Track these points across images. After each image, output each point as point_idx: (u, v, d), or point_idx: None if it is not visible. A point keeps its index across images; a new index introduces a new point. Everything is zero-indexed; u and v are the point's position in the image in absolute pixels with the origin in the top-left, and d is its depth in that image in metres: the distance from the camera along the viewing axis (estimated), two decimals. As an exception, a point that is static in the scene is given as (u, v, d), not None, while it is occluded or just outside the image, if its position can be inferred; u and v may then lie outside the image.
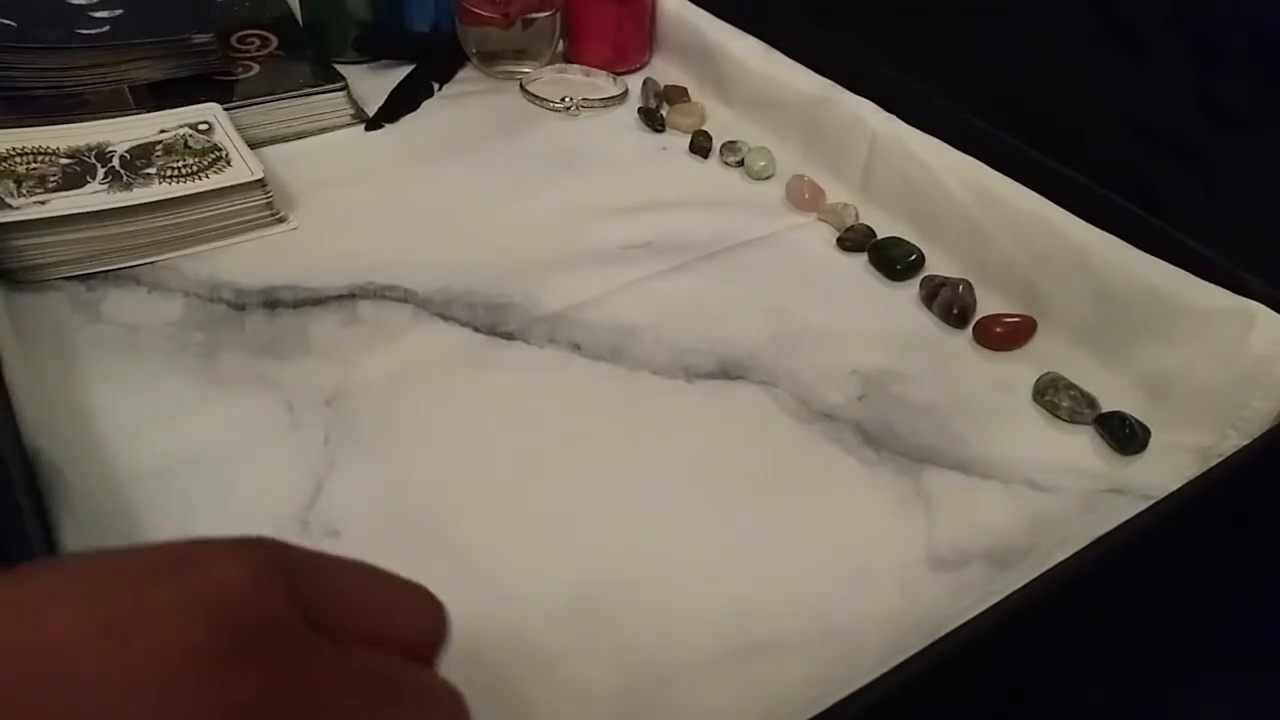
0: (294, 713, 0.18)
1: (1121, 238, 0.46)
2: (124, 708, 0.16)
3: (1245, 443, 0.40)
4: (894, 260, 0.52)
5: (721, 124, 0.65)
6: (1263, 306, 0.41)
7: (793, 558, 0.37)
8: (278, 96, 0.59)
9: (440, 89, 0.68)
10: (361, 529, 0.37)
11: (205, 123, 0.54)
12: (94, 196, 0.48)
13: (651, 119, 0.65)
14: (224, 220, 0.51)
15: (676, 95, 0.67)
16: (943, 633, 0.30)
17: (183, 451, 0.39)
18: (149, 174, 0.50)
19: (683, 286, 0.51)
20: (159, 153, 0.52)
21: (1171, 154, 0.49)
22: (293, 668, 0.18)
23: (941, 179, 0.53)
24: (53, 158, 0.50)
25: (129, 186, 0.49)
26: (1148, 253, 0.45)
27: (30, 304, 0.46)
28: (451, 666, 0.33)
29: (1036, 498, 0.40)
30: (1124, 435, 0.42)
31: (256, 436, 0.40)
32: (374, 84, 0.66)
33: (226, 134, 0.54)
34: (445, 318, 0.48)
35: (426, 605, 0.22)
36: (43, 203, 0.47)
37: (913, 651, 0.29)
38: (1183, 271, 0.44)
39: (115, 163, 0.50)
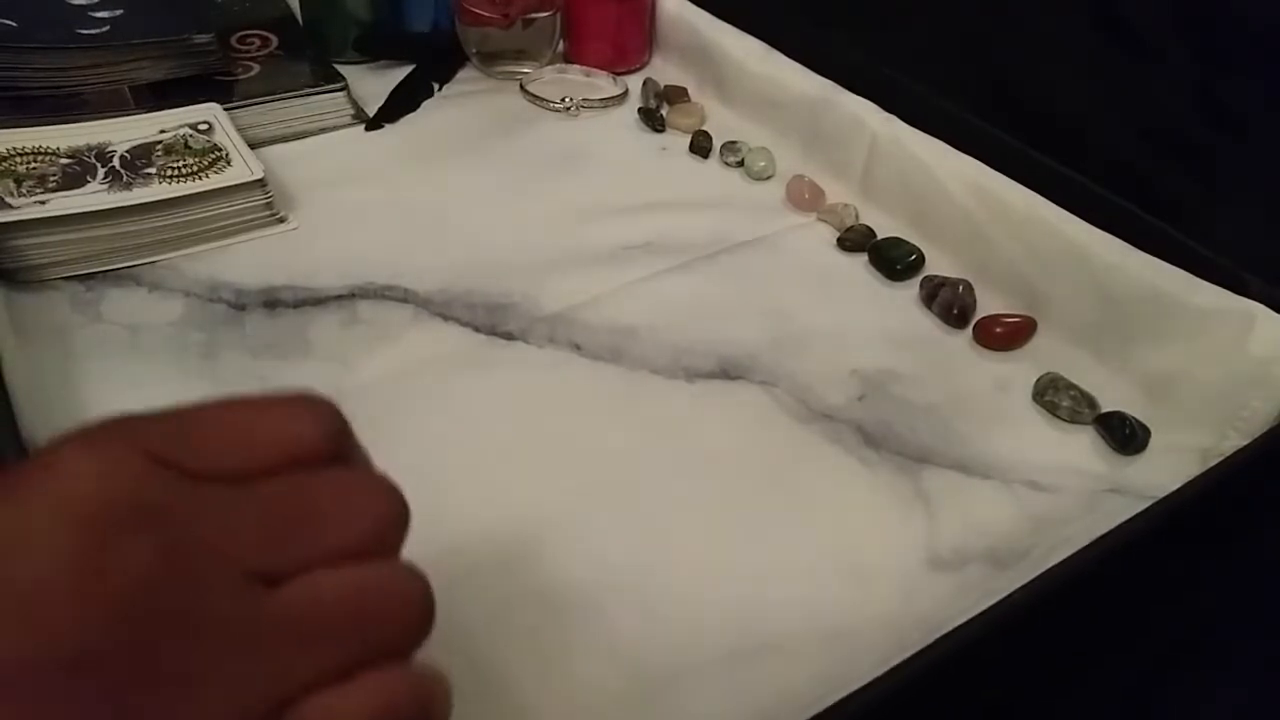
0: (203, 558, 0.17)
1: (1121, 238, 0.46)
2: (13, 632, 0.16)
3: (1245, 443, 0.40)
4: (894, 260, 0.52)
5: (721, 124, 0.65)
6: (1263, 307, 0.41)
7: (792, 558, 0.37)
8: (278, 96, 0.59)
9: (440, 89, 0.68)
10: (361, 529, 0.36)
11: (205, 123, 0.54)
12: (94, 196, 0.48)
13: (651, 119, 0.65)
14: (224, 220, 0.51)
15: (676, 95, 0.67)
16: (942, 633, 0.30)
17: (183, 451, 0.39)
18: (149, 174, 0.50)
19: (683, 286, 0.51)
20: (159, 153, 0.52)
21: (1171, 154, 0.49)
22: (178, 520, 0.17)
23: (941, 179, 0.53)
24: (53, 158, 0.50)
25: (129, 186, 0.49)
26: (1148, 253, 0.45)
27: (30, 304, 0.46)
28: (451, 666, 0.33)
29: (1036, 498, 0.40)
30: (1124, 435, 0.42)
31: (256, 436, 0.40)
32: (374, 84, 0.66)
33: (226, 134, 0.54)
34: (445, 318, 0.48)
35: (312, 409, 0.21)
36: (43, 203, 0.47)
37: (912, 652, 0.29)
38: (1183, 272, 0.44)
39: (115, 163, 0.50)
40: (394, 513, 0.21)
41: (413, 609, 0.20)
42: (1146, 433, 0.43)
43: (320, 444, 0.20)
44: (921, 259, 0.53)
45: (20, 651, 0.16)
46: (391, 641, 0.19)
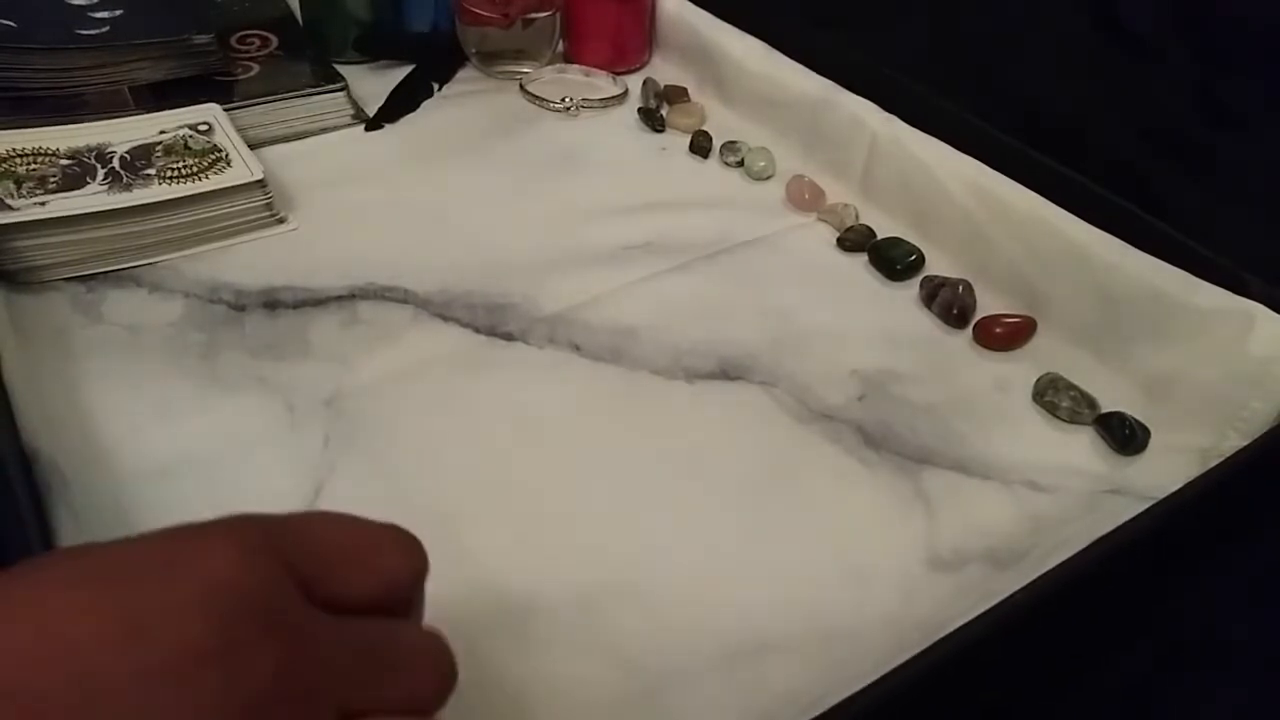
0: (306, 687, 0.18)
1: (1121, 238, 0.46)
2: (141, 710, 0.17)
3: (1245, 443, 0.40)
4: (894, 260, 0.52)
5: (721, 124, 0.65)
6: (1263, 307, 0.41)
7: (792, 558, 0.37)
8: (278, 97, 0.59)
9: (440, 89, 0.68)
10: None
11: (205, 123, 0.54)
12: (94, 197, 0.48)
13: (651, 119, 0.65)
14: (224, 221, 0.51)
15: (676, 95, 0.67)
16: (942, 634, 0.30)
17: (182, 452, 0.39)
18: (149, 175, 0.50)
19: (683, 287, 0.51)
20: (159, 153, 0.52)
21: (1171, 154, 0.49)
22: (298, 642, 0.19)
23: (941, 179, 0.53)
24: (53, 158, 0.50)
25: (129, 187, 0.49)
26: (1148, 253, 0.45)
27: (30, 305, 0.46)
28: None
29: (1036, 498, 0.40)
30: (1124, 435, 0.42)
31: (256, 437, 0.40)
32: (374, 84, 0.66)
33: (226, 134, 0.54)
34: (445, 318, 0.48)
35: (405, 543, 0.23)
36: (43, 203, 0.47)
37: (912, 652, 0.29)
38: (1183, 272, 0.44)
39: (115, 163, 0.50)
40: (447, 673, 0.22)
41: None
42: (1146, 433, 0.43)
43: (409, 585, 0.23)
44: (921, 259, 0.53)
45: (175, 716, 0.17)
46: None
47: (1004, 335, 0.48)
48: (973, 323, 0.49)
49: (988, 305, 0.50)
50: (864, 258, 0.54)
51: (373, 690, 0.20)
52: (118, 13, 0.59)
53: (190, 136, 0.53)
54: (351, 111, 0.62)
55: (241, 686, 0.17)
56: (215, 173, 0.51)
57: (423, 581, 0.23)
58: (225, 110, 0.55)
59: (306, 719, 0.18)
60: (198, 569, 0.18)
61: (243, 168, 0.51)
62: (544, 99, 0.66)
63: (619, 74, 0.70)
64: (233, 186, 0.51)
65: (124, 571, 0.18)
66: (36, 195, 0.47)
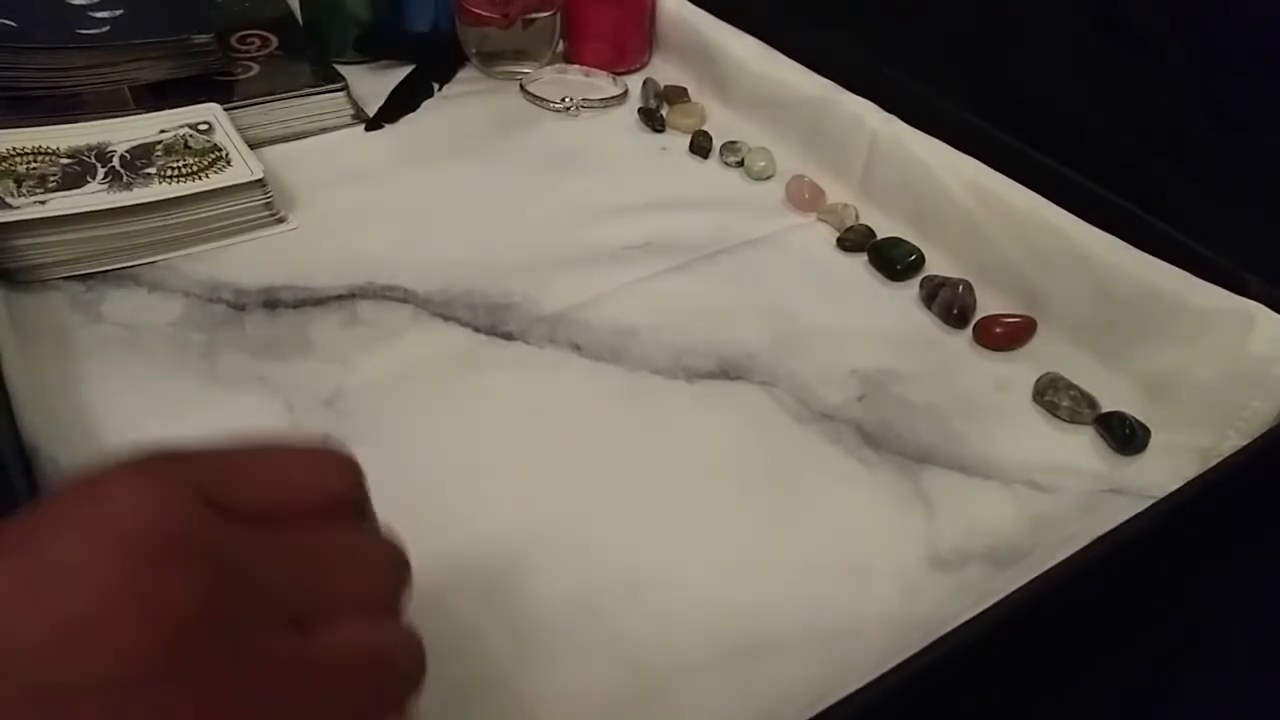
0: (242, 605, 0.18)
1: (1121, 238, 0.46)
2: (65, 663, 0.16)
3: (1245, 443, 0.40)
4: (894, 260, 0.52)
5: (721, 124, 0.65)
6: (1263, 307, 0.41)
7: (792, 558, 0.37)
8: (278, 97, 0.59)
9: (440, 89, 0.68)
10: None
11: (205, 123, 0.54)
12: (94, 196, 0.48)
13: (651, 119, 0.65)
14: (224, 220, 0.51)
15: (676, 95, 0.67)
16: (943, 633, 0.30)
17: (183, 451, 0.39)
18: (149, 174, 0.50)
19: (683, 286, 0.51)
20: (159, 153, 0.52)
21: (1171, 154, 0.49)
22: (221, 564, 0.18)
23: (941, 179, 0.53)
24: (53, 158, 0.50)
25: (129, 186, 0.49)
26: (1148, 253, 0.45)
27: (30, 304, 0.46)
28: (450, 666, 0.33)
29: (1036, 498, 0.40)
30: (1124, 435, 0.42)
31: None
32: (374, 84, 0.66)
33: (226, 134, 0.54)
34: (445, 318, 0.48)
35: (337, 462, 0.22)
36: (42, 203, 0.47)
37: (913, 652, 0.29)
38: (1183, 272, 0.44)
39: (115, 163, 0.50)
40: (401, 570, 0.22)
41: (417, 666, 0.21)
42: (1146, 433, 0.43)
43: (346, 496, 0.22)
44: (921, 259, 0.53)
45: (84, 676, 0.16)
46: (398, 695, 0.21)
47: (1004, 335, 0.48)
48: (973, 323, 0.49)
49: (988, 305, 0.50)
50: (864, 258, 0.54)
51: (324, 594, 0.20)
52: (118, 13, 0.59)
53: (190, 136, 0.53)
54: (351, 111, 0.62)
55: (167, 621, 0.17)
56: (215, 172, 0.51)
57: (362, 492, 0.23)
58: (225, 110, 0.55)
59: (251, 636, 0.18)
60: (104, 514, 0.18)
61: (243, 167, 0.51)
62: (544, 99, 0.66)
63: (619, 74, 0.70)
64: (233, 186, 0.51)
65: (26, 534, 0.18)
66: (36, 194, 0.47)
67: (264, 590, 0.19)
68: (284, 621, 0.19)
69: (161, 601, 0.17)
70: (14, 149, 0.50)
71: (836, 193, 0.58)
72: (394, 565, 0.22)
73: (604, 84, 0.69)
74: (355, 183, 0.57)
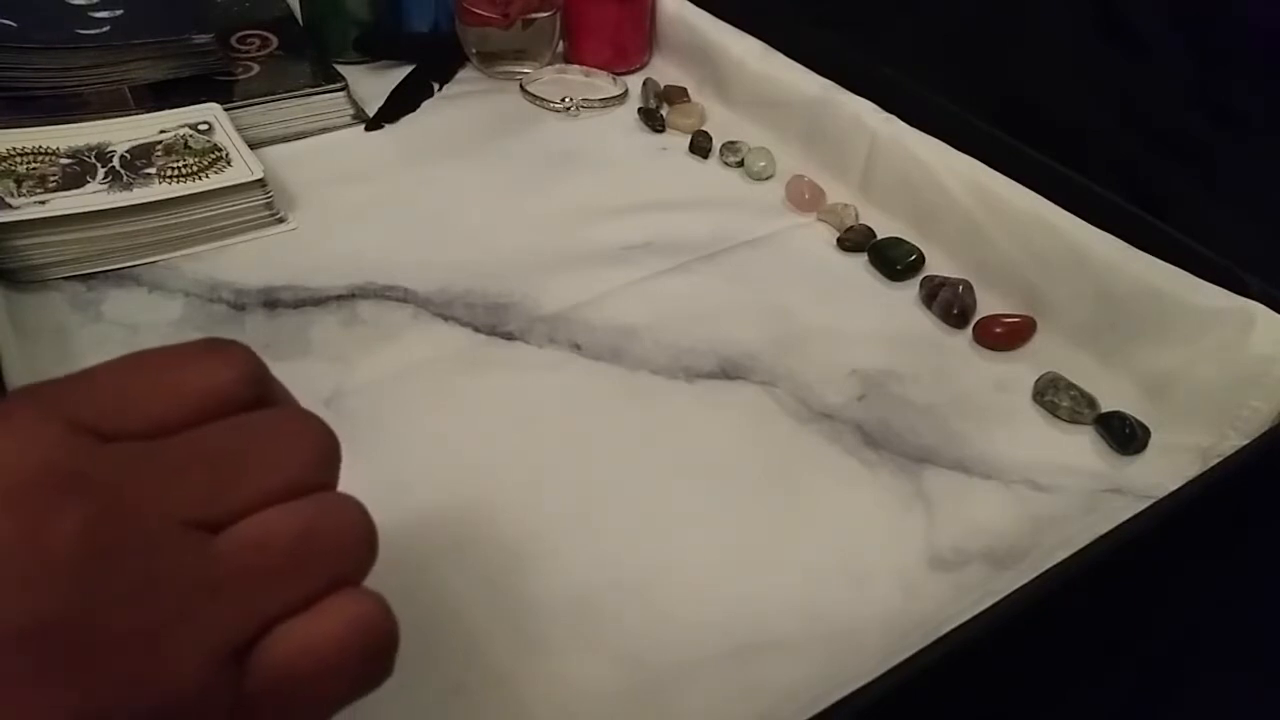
0: (128, 521, 0.18)
1: (1121, 238, 0.46)
2: None
3: (1245, 443, 0.40)
4: (894, 260, 0.52)
5: (721, 124, 0.65)
6: (1263, 306, 0.41)
7: (792, 558, 0.37)
8: (278, 97, 0.59)
9: (440, 89, 0.68)
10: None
11: (205, 123, 0.54)
12: (94, 196, 0.48)
13: (651, 119, 0.65)
14: (224, 220, 0.51)
15: (676, 95, 0.67)
16: (943, 633, 0.30)
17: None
18: (149, 174, 0.50)
19: (683, 286, 0.51)
20: (159, 153, 0.52)
21: (1171, 154, 0.49)
22: (104, 485, 0.17)
23: (941, 179, 0.53)
24: (53, 158, 0.50)
25: (129, 186, 0.49)
26: (1148, 253, 0.45)
27: (30, 304, 0.46)
28: (450, 665, 0.33)
29: (1036, 498, 0.40)
30: (1124, 435, 0.42)
31: (256, 436, 0.40)
32: (374, 84, 0.66)
33: (226, 134, 0.54)
34: (445, 318, 0.48)
35: (222, 355, 0.21)
36: (43, 203, 0.47)
37: (913, 651, 0.29)
38: (1183, 271, 0.44)
39: (115, 163, 0.50)
40: (324, 445, 0.21)
41: (358, 535, 0.20)
42: (1146, 433, 0.43)
43: (239, 389, 0.20)
44: (921, 259, 0.53)
45: None
46: (344, 569, 0.20)
47: (1004, 335, 0.48)
48: (973, 323, 0.49)
49: (988, 305, 0.50)
50: (864, 258, 0.54)
51: (227, 490, 0.19)
52: (118, 13, 0.59)
53: (190, 136, 0.53)
54: (351, 111, 0.62)
55: (53, 553, 0.16)
56: (215, 172, 0.51)
57: (259, 378, 0.21)
58: (225, 110, 0.55)
59: (149, 551, 0.17)
60: None
61: (243, 167, 0.51)
62: (544, 99, 0.66)
63: (619, 74, 0.70)
64: (233, 186, 0.51)
65: None
66: (37, 194, 0.47)
67: (154, 502, 0.18)
68: (184, 529, 0.18)
69: (43, 540, 0.16)
70: (14, 149, 0.50)
71: (836, 193, 0.58)
72: (312, 441, 0.21)
73: (604, 84, 0.69)
74: (355, 183, 0.57)
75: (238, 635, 0.18)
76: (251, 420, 0.20)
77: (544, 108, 0.66)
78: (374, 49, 0.69)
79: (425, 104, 0.66)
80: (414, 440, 0.41)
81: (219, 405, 0.20)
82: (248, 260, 0.50)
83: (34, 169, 0.49)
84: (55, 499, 0.17)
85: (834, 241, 0.55)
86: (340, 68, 0.64)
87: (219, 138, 0.53)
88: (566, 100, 0.66)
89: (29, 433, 0.18)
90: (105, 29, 0.57)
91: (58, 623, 0.16)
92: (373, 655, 0.20)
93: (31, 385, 0.19)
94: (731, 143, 0.62)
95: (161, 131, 0.53)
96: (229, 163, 0.52)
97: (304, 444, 0.21)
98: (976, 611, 0.31)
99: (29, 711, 0.16)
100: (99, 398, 0.19)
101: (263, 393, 0.21)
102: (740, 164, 0.61)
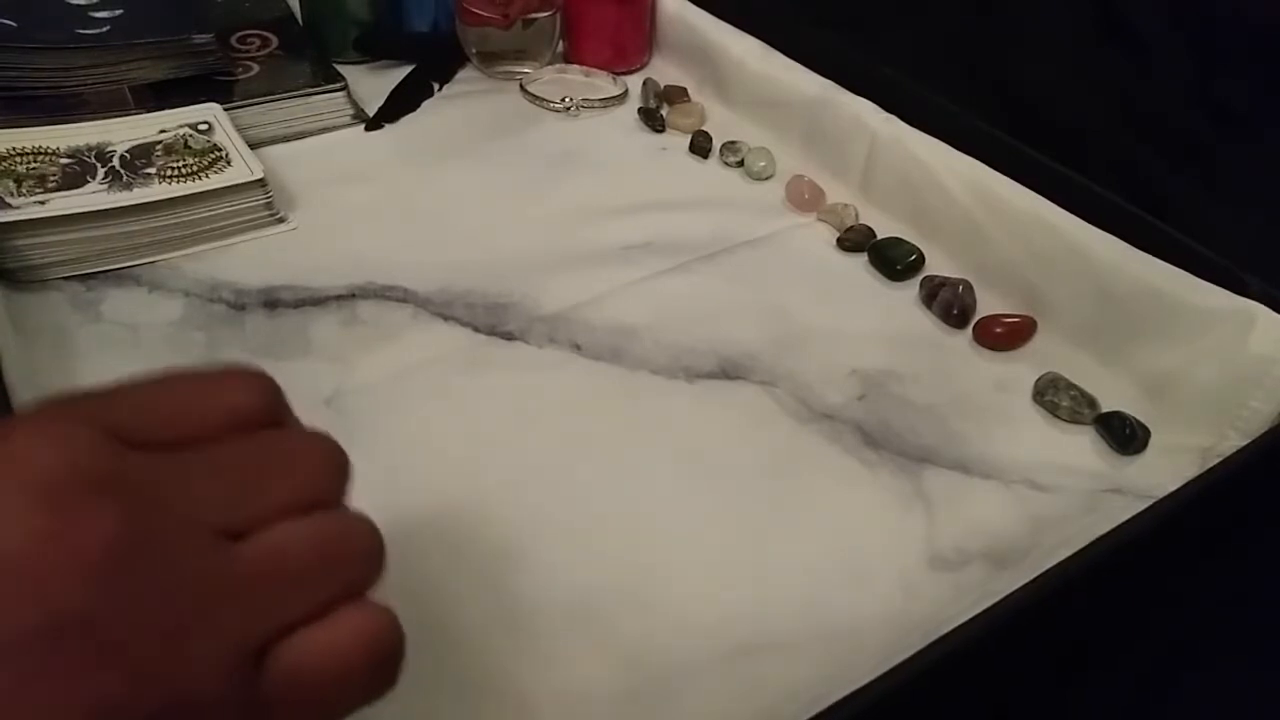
0: (159, 523, 0.18)
1: (1121, 238, 0.46)
2: None
3: (1245, 443, 0.40)
4: (894, 260, 0.52)
5: (721, 124, 0.65)
6: (1263, 306, 0.41)
7: (793, 558, 0.37)
8: (278, 96, 0.59)
9: (440, 89, 0.68)
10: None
11: (205, 123, 0.54)
12: (94, 196, 0.48)
13: (651, 119, 0.65)
14: (224, 220, 0.51)
15: (676, 95, 0.67)
16: (943, 633, 0.30)
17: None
18: (149, 174, 0.50)
19: (683, 287, 0.51)
20: (159, 153, 0.52)
21: (1171, 154, 0.49)
22: (136, 489, 0.18)
23: (941, 179, 0.53)
24: (53, 158, 0.50)
25: (129, 186, 0.49)
26: (1148, 253, 0.45)
27: (30, 304, 0.46)
28: (450, 665, 0.33)
29: (1036, 498, 0.40)
30: (1124, 435, 0.42)
31: (256, 436, 0.40)
32: (374, 84, 0.66)
33: (226, 134, 0.54)
34: (445, 318, 0.48)
35: (244, 380, 0.22)
36: (42, 202, 0.47)
37: (913, 651, 0.29)
38: (1183, 272, 0.44)
39: (115, 163, 0.50)
40: (335, 464, 0.22)
41: (369, 548, 0.21)
42: (1146, 433, 0.43)
43: (260, 410, 0.22)
44: (921, 259, 0.53)
45: (7, 623, 0.16)
46: (354, 580, 0.21)
47: (1004, 335, 0.48)
48: (973, 323, 0.49)
49: (988, 305, 0.50)
50: (864, 258, 0.54)
51: (249, 502, 0.20)
52: (118, 13, 0.59)
53: (190, 136, 0.53)
54: (351, 111, 0.62)
55: (86, 555, 0.17)
56: (215, 172, 0.51)
57: (276, 403, 0.22)
58: (225, 110, 0.55)
59: (176, 554, 0.18)
60: (7, 467, 0.18)
61: (243, 167, 0.51)
62: (544, 99, 0.66)
63: (619, 74, 0.70)
64: (233, 186, 0.51)
65: None
66: (36, 194, 0.47)
67: (182, 508, 0.19)
68: (209, 534, 0.19)
69: (77, 539, 0.17)
70: (14, 149, 0.50)
71: (836, 193, 0.58)
72: (326, 459, 0.22)
73: (604, 84, 0.69)
74: (355, 183, 0.57)
75: (256, 639, 0.19)
76: (271, 437, 0.22)
77: (544, 108, 0.66)
78: (374, 49, 0.69)
79: (425, 104, 0.66)
80: (414, 440, 0.41)
81: (241, 423, 0.21)
82: (248, 260, 0.50)
83: (34, 169, 0.49)
84: (87, 499, 0.17)
85: (834, 241, 0.55)
86: (340, 67, 0.64)
87: (219, 138, 0.53)
88: (566, 100, 0.66)
89: (64, 435, 0.18)
90: (105, 29, 0.57)
91: (85, 619, 0.17)
92: (380, 665, 0.21)
93: (66, 394, 0.20)
94: (731, 143, 0.62)
95: (161, 131, 0.53)
96: (229, 163, 0.52)
97: (319, 459, 0.22)
98: (976, 611, 0.31)
99: (52, 704, 0.16)
100: (130, 408, 0.20)
101: (280, 416, 0.22)
102: (740, 164, 0.61)
